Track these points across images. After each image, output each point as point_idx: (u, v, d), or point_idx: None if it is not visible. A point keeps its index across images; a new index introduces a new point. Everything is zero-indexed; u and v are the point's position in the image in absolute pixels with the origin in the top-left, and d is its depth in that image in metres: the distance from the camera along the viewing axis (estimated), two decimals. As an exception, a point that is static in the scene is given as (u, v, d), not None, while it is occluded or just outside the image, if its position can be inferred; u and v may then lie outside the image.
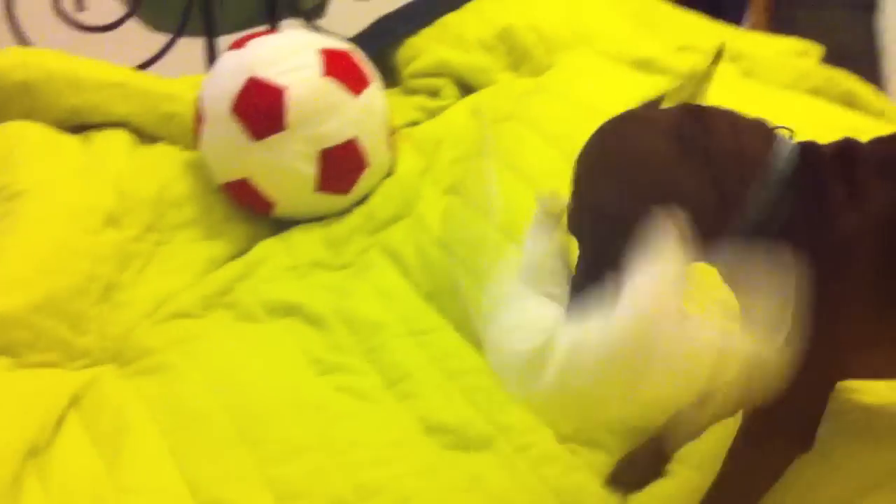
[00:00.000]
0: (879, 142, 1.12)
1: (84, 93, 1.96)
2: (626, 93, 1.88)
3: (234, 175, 1.88)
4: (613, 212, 1.03)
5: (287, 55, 1.87)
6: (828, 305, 1.04)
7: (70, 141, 1.92)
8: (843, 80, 2.04)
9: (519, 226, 1.66)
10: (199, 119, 1.90)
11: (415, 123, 2.16)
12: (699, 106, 1.13)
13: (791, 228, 1.05)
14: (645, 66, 2.03)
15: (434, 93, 2.21)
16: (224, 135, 1.85)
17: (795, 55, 2.17)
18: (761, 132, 1.09)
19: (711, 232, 1.05)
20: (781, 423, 1.14)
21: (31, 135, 1.89)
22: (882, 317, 1.07)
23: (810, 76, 2.05)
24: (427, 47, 2.26)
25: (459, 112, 2.10)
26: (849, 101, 2.00)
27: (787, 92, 1.97)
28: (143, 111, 1.99)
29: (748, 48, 2.13)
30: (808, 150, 1.08)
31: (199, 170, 1.94)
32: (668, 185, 1.03)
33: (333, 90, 1.86)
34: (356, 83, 1.91)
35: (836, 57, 2.19)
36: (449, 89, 2.20)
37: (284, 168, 1.85)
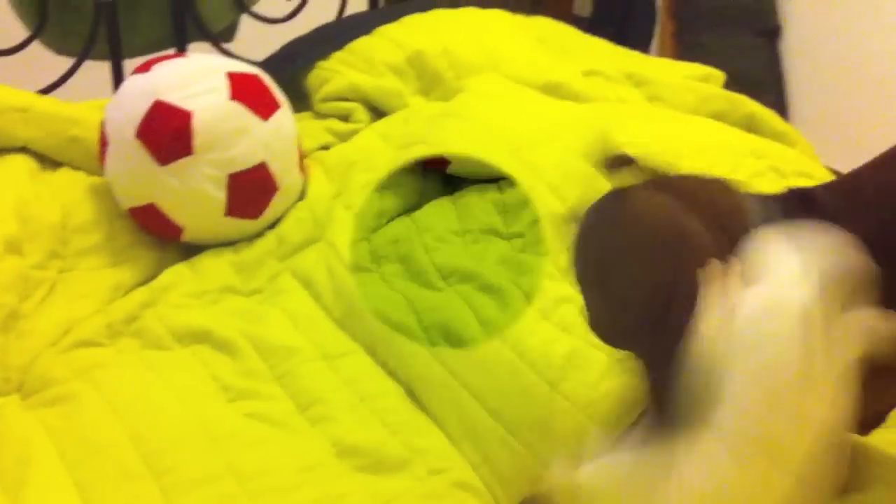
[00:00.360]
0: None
1: (-15, 117, 1.91)
2: (536, 116, 1.92)
3: (140, 200, 1.84)
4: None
5: (194, 79, 1.85)
6: None
7: (-32, 167, 1.86)
8: (744, 103, 2.10)
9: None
10: (103, 143, 1.86)
11: (326, 147, 2.14)
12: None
13: None
14: (554, 90, 2.07)
15: (345, 117, 2.20)
16: (129, 159, 1.81)
17: (698, 80, 2.22)
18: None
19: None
20: None
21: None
22: None
23: (713, 100, 2.10)
24: (338, 71, 2.26)
25: (370, 136, 2.10)
26: (750, 125, 2.06)
27: (691, 116, 2.01)
28: (46, 135, 1.94)
29: (653, 74, 2.17)
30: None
31: (104, 195, 1.90)
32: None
33: (242, 114, 1.84)
34: (265, 107, 1.89)
35: (740, 81, 2.25)
36: (360, 113, 2.19)
37: (192, 193, 1.82)
